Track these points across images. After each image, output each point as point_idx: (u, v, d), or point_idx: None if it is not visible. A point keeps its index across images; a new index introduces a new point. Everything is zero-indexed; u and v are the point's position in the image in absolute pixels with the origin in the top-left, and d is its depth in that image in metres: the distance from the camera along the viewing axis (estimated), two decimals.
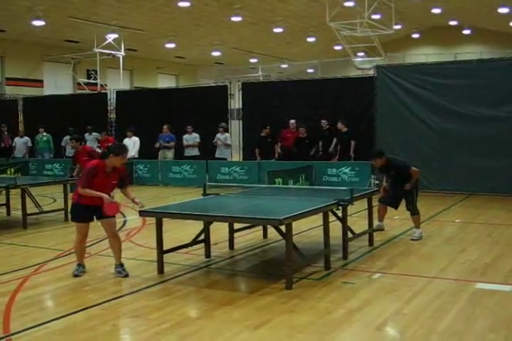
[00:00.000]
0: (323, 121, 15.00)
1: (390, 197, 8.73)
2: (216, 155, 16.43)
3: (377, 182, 13.55)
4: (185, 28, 30.41)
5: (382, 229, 8.98)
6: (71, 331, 4.85)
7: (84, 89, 30.52)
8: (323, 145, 15.11)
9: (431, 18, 33.93)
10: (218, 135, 16.32)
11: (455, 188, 12.97)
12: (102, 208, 6.27)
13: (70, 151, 17.01)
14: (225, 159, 16.33)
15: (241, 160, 17.15)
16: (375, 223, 8.65)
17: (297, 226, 7.13)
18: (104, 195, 6.26)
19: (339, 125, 14.59)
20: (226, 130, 16.51)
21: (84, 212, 6.44)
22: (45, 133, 18.96)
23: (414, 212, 8.56)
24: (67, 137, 17.36)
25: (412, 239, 8.36)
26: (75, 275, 6.53)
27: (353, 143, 14.43)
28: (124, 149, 6.55)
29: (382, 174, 9.12)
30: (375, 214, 8.60)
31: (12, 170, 16.54)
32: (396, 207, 8.87)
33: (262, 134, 15.56)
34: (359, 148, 14.24)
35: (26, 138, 19.40)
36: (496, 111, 12.56)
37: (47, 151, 19.03)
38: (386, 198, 8.78)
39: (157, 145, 16.73)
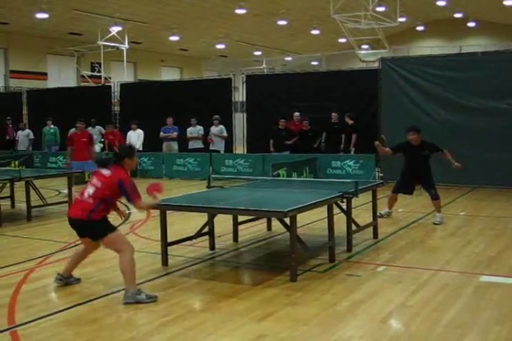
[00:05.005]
0: (333, 114, 14.94)
1: (404, 186, 9.03)
2: (210, 148, 16.38)
3: (381, 174, 13.53)
4: (189, 21, 30.38)
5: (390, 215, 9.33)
6: (76, 323, 4.86)
7: (88, 82, 30.57)
8: (329, 138, 15.09)
9: (436, 11, 33.82)
10: (212, 127, 16.30)
11: (460, 181, 12.90)
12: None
13: None
14: (218, 151, 16.28)
15: (245, 152, 17.14)
16: (385, 210, 9.18)
17: (301, 218, 7.12)
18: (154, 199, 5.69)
19: (346, 118, 14.59)
20: (220, 122, 16.37)
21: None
22: (52, 126, 18.91)
23: (437, 196, 8.93)
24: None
25: (435, 223, 8.70)
26: (146, 301, 5.27)
27: (354, 136, 14.39)
28: (135, 150, 5.89)
29: (399, 152, 9.12)
30: (380, 207, 8.60)
31: (16, 162, 16.55)
32: (412, 193, 9.25)
33: (279, 127, 15.31)
34: (363, 141, 14.19)
35: (28, 130, 19.41)
36: (501, 103, 12.48)
37: (54, 144, 18.98)
38: (399, 188, 9.09)
39: (162, 135, 16.74)
